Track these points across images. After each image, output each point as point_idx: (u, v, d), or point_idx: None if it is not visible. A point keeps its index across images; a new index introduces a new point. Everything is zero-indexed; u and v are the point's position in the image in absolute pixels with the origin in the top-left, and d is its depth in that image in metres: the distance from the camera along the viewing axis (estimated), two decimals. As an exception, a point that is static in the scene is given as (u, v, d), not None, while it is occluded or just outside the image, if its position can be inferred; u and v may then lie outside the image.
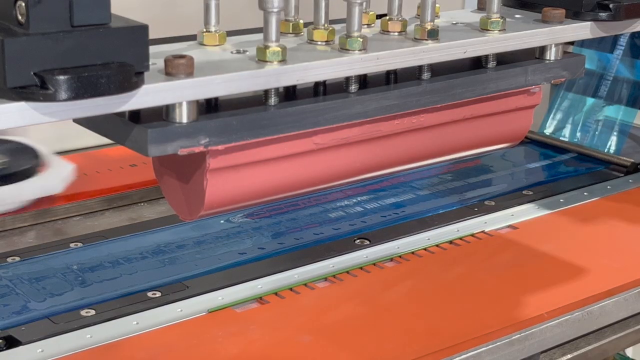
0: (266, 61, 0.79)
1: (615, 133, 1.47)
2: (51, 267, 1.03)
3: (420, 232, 1.14)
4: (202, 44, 0.84)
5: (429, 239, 1.13)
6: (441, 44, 0.90)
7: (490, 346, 0.92)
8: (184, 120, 0.76)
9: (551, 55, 1.00)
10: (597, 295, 1.01)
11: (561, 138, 1.49)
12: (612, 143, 1.46)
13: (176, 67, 0.74)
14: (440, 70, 0.93)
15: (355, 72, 0.85)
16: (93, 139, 1.50)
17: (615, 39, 1.47)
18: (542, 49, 0.99)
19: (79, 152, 1.38)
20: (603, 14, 1.02)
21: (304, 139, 0.86)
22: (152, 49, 0.72)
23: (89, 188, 1.23)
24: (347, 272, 1.04)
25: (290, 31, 0.90)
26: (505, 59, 0.98)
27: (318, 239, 1.12)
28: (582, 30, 1.02)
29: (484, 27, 0.94)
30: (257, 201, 0.87)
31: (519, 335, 0.94)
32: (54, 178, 1.20)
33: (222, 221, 1.17)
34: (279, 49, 0.79)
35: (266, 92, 0.81)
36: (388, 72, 0.91)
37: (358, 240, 1.11)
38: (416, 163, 0.98)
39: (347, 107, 0.85)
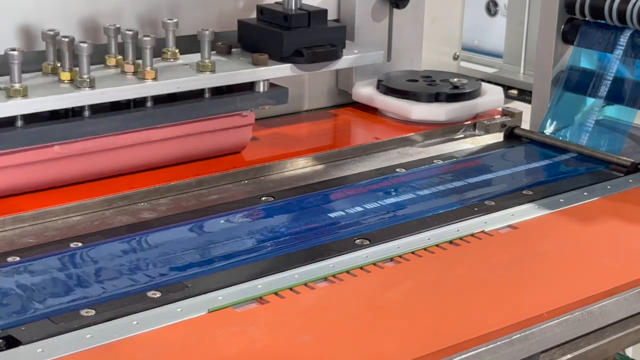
0: (11, 97, 1.17)
1: (615, 133, 1.47)
2: (51, 267, 1.03)
3: (420, 232, 1.14)
4: None
5: (429, 239, 1.13)
6: (159, 82, 1.28)
7: (490, 346, 0.92)
8: None
9: (260, 88, 1.38)
10: (597, 295, 1.01)
11: (561, 138, 1.49)
12: (612, 143, 1.46)
13: None
14: (164, 99, 1.30)
15: (82, 102, 1.22)
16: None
17: (615, 39, 1.47)
18: (253, 84, 1.37)
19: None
20: (299, 59, 1.42)
21: (47, 149, 1.20)
22: None
23: (89, 188, 1.23)
24: (347, 272, 1.04)
25: (49, 72, 1.27)
26: (224, 91, 1.35)
27: (318, 239, 1.12)
28: (283, 70, 1.42)
29: (199, 69, 1.32)
30: (14, 192, 1.20)
31: (519, 335, 0.94)
32: (493, 96, 1.61)
33: (222, 221, 1.17)
34: (20, 87, 1.17)
35: (15, 117, 1.18)
36: (122, 102, 1.27)
37: (358, 240, 1.11)
38: (150, 168, 1.30)
39: (80, 127, 1.22)
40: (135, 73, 1.28)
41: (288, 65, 1.41)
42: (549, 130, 1.51)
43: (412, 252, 1.09)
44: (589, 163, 1.40)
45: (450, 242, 1.12)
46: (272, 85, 1.40)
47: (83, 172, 1.25)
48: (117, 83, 1.25)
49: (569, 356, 1.00)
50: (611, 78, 1.47)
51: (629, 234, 1.18)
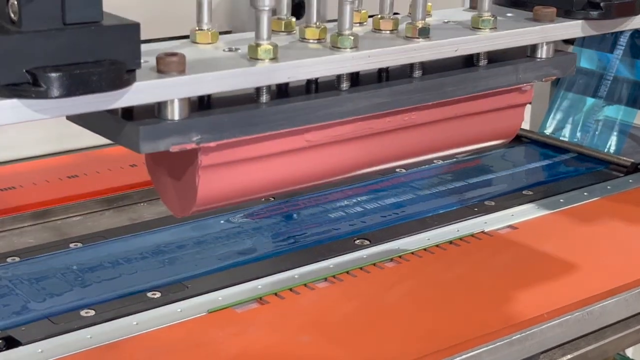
0: (258, 59, 0.80)
1: (615, 133, 1.47)
2: (51, 267, 1.03)
3: (420, 232, 1.14)
4: (194, 42, 0.84)
5: (429, 239, 1.13)
6: (432, 42, 0.90)
7: (490, 346, 0.92)
8: (176, 117, 0.76)
9: (542, 53, 1.00)
10: (597, 295, 1.01)
11: (561, 138, 1.49)
12: (612, 143, 1.46)
13: (168, 65, 0.74)
14: (432, 68, 0.94)
15: (346, 70, 0.85)
16: (93, 139, 1.50)
17: (615, 39, 1.47)
18: (534, 47, 0.99)
19: (79, 152, 1.38)
20: (594, 13, 1.02)
21: (296, 136, 0.86)
22: (146, 47, 0.73)
23: (89, 188, 1.23)
24: (347, 272, 1.04)
25: (283, 29, 0.90)
26: (496, 58, 0.98)
27: (318, 239, 1.12)
28: (573, 28, 1.02)
29: (475, 26, 0.95)
30: (249, 197, 0.88)
31: (519, 335, 0.94)
32: None
33: (222, 221, 1.17)
34: (270, 47, 0.80)
35: (258, 90, 0.81)
36: (380, 70, 0.91)
37: (358, 240, 1.11)
38: (407, 160, 0.99)
39: (338, 105, 0.86)
40: (393, 31, 0.92)
41: (579, 22, 1.01)
42: (549, 130, 1.51)
43: (412, 252, 1.09)
44: (589, 163, 1.40)
45: (450, 242, 1.12)
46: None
47: (331, 166, 0.93)
48: (379, 44, 0.88)
49: (569, 356, 1.00)
50: (611, 78, 1.48)
51: (629, 234, 1.18)
